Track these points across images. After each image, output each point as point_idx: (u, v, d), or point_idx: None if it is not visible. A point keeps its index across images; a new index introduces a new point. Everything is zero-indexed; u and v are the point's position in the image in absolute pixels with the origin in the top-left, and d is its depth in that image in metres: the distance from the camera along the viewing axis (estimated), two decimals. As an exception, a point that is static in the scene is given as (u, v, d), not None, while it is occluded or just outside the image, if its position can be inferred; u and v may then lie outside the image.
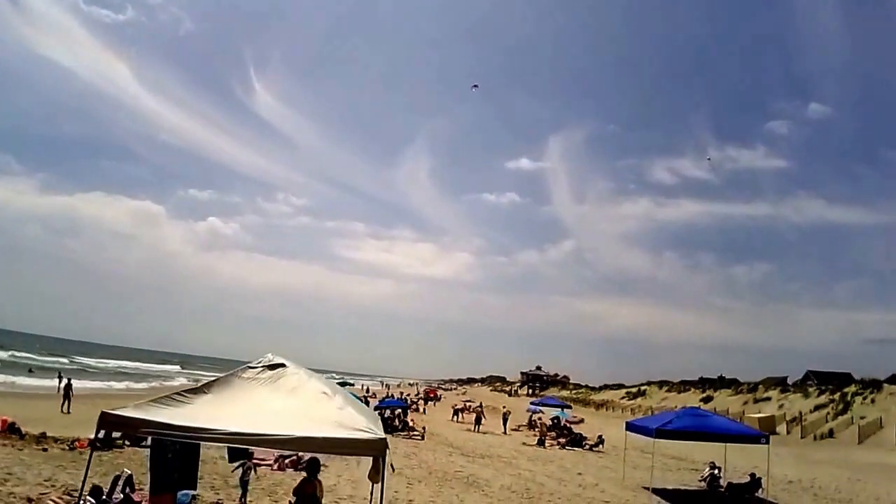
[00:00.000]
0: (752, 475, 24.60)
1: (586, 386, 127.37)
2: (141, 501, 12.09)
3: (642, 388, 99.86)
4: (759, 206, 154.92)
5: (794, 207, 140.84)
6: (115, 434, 21.07)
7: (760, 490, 24.11)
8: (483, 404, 60.17)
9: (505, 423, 47.37)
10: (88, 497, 10.34)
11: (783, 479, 26.58)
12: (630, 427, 26.56)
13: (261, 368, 11.21)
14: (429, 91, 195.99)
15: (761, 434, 25.88)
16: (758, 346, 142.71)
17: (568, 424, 46.51)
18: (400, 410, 42.48)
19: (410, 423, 39.17)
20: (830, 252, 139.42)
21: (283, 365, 11.28)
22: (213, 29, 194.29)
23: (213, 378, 11.22)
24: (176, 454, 11.74)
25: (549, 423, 44.81)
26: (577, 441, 39.50)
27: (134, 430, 9.51)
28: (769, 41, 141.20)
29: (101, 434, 10.16)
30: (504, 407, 54.83)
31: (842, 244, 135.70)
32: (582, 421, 52.83)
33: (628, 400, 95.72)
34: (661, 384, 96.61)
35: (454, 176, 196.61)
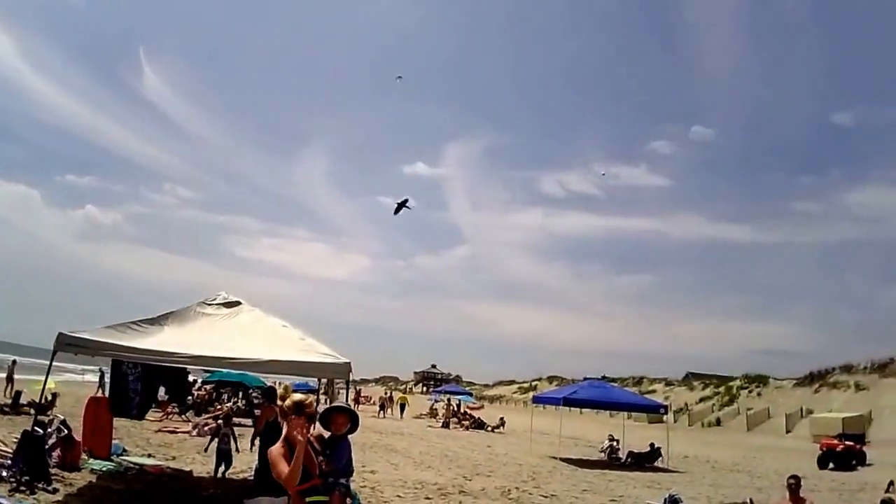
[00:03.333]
0: (652, 445, 26.18)
1: (480, 384, 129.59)
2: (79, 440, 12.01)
3: (534, 382, 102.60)
4: (641, 221, 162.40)
5: (674, 223, 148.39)
6: (23, 401, 20.73)
7: (660, 459, 25.77)
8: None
9: (402, 411, 48.36)
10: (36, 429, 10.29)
11: (679, 454, 28.14)
12: (537, 400, 27.81)
13: (217, 305, 11.42)
14: (329, 90, 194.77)
15: (660, 405, 27.64)
16: (640, 351, 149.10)
17: (468, 410, 47.56)
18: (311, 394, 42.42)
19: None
20: (709, 266, 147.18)
21: (238, 302, 11.51)
22: (104, 4, 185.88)
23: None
24: (136, 378, 11.80)
25: (453, 408, 45.74)
26: (479, 424, 40.55)
27: (94, 353, 9.56)
28: (657, 64, 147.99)
29: (10, 399, 10.10)
30: (400, 398, 55.71)
31: (720, 259, 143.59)
32: (482, 407, 54.16)
33: (520, 394, 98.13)
34: (551, 379, 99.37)
35: (352, 177, 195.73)
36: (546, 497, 15.05)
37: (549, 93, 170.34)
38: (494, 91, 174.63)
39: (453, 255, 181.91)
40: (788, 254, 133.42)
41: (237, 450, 12.47)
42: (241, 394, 37.49)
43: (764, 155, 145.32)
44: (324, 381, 14.35)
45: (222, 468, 12.10)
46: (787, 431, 47.94)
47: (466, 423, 41.16)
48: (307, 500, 4.75)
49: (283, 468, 4.68)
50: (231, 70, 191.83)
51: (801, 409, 50.58)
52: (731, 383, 65.69)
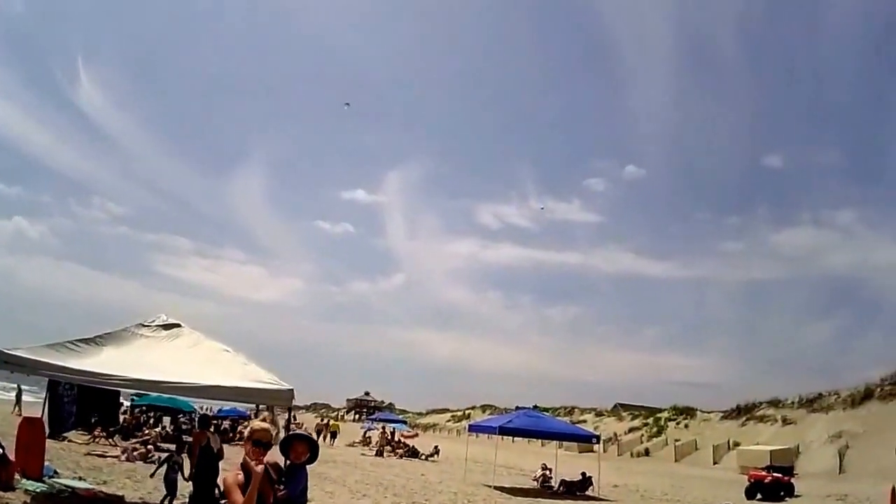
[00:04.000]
0: (584, 474, 26.54)
1: (414, 413, 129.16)
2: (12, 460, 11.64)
3: (467, 411, 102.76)
4: (572, 255, 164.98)
5: (604, 258, 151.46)
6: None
7: (591, 488, 26.11)
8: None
9: (333, 438, 47.84)
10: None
11: (609, 483, 28.52)
12: (473, 428, 27.90)
13: (155, 327, 11.23)
14: (269, 111, 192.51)
15: (592, 434, 28.05)
16: (570, 380, 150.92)
17: (402, 438, 47.26)
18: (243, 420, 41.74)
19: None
20: (637, 300, 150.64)
21: (178, 325, 11.35)
22: (45, 11, 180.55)
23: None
24: (72, 400, 11.48)
25: (387, 436, 45.37)
26: (414, 453, 40.37)
27: (31, 371, 9.34)
28: (594, 103, 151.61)
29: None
30: (332, 425, 55.15)
31: (647, 293, 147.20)
32: (416, 436, 53.80)
33: (454, 422, 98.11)
34: (484, 408, 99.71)
35: (289, 200, 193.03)
36: (483, 526, 15.13)
37: (488, 126, 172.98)
38: (436, 121, 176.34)
39: (389, 281, 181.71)
40: (713, 290, 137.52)
41: (186, 478, 12.16)
42: (168, 419, 36.70)
43: (694, 195, 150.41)
44: (261, 407, 14.15)
45: (168, 498, 11.78)
46: (715, 463, 49.05)
47: (400, 451, 40.92)
48: None
49: (238, 498, 4.66)
50: (169, 86, 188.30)
51: (729, 442, 51.83)
52: (659, 415, 67.18)
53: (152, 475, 13.37)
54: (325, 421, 55.97)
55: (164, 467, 11.98)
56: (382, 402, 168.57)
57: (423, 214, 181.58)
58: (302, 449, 5.32)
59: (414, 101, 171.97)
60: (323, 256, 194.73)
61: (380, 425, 49.92)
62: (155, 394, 27.48)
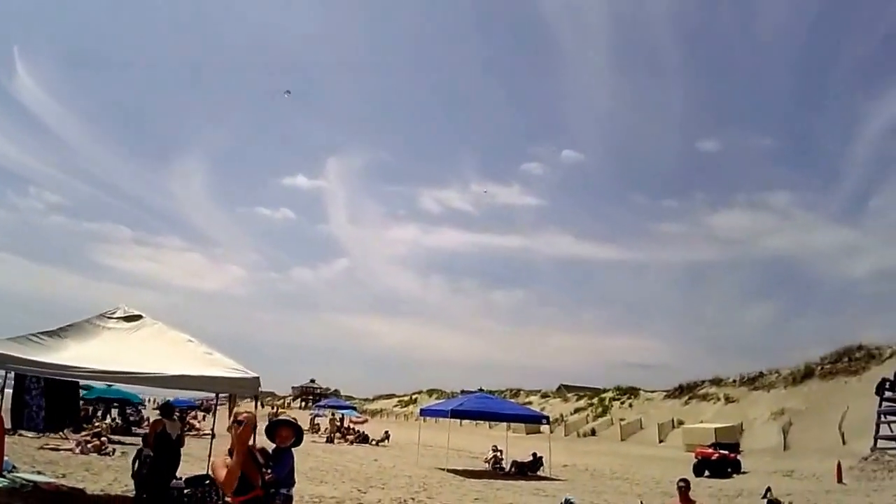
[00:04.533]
0: (534, 454, 27.15)
1: (360, 398, 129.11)
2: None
3: (414, 396, 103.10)
4: (514, 239, 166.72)
5: (546, 241, 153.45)
6: None
7: (542, 468, 26.73)
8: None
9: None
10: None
11: (558, 463, 29.13)
12: (425, 412, 28.20)
13: (117, 319, 11.18)
14: (209, 98, 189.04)
15: (542, 416, 28.67)
16: (515, 363, 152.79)
17: (352, 424, 47.40)
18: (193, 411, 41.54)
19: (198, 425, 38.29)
20: (579, 283, 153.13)
21: (140, 316, 11.32)
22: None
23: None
24: (40, 393, 11.37)
25: (337, 423, 45.42)
26: (364, 438, 40.58)
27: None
28: (533, 89, 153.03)
29: None
30: (280, 412, 55.02)
31: (588, 276, 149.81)
32: (366, 421, 54.02)
33: (401, 407, 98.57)
34: (431, 392, 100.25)
35: (230, 187, 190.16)
36: (442, 507, 15.48)
37: (428, 112, 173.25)
38: (377, 107, 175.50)
39: (332, 268, 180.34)
40: (654, 272, 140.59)
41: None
42: (116, 410, 36.20)
43: (632, 179, 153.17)
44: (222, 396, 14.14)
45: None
46: (660, 441, 50.26)
47: (351, 437, 41.10)
48: None
49: (221, 473, 4.85)
50: (107, 73, 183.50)
51: (673, 420, 53.23)
52: (603, 395, 68.35)
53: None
54: (276, 409, 55.64)
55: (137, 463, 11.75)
56: (328, 388, 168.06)
57: (364, 200, 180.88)
58: (287, 433, 5.52)
59: (354, 88, 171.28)
60: (264, 244, 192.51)
61: (328, 412, 49.88)
62: (103, 385, 27.21)
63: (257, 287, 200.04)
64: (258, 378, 10.05)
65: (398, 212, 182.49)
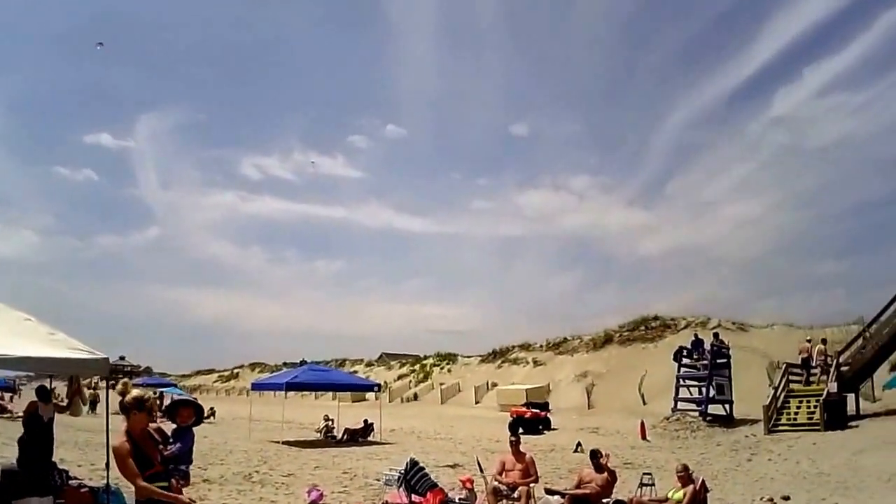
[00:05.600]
0: (366, 421, 28.18)
1: (176, 375, 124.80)
2: None
3: (235, 370, 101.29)
4: (336, 210, 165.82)
5: (367, 213, 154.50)
6: None
7: (373, 433, 27.85)
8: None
9: (94, 407, 45.88)
10: None
11: (386, 429, 30.27)
12: (256, 386, 28.40)
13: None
14: (4, 42, 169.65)
15: (373, 384, 29.73)
16: (336, 333, 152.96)
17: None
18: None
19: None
20: (398, 254, 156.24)
21: (-32, 296, 10.96)
22: None
23: None
24: None
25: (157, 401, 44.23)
26: (188, 415, 39.93)
27: None
28: (360, 61, 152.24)
29: None
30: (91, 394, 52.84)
31: (406, 247, 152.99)
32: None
33: (222, 383, 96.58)
34: (253, 366, 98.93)
35: (23, 143, 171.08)
36: (286, 476, 16.04)
37: (249, 75, 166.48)
38: (193, 63, 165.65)
39: (142, 235, 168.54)
40: (467, 245, 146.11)
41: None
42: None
43: (450, 156, 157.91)
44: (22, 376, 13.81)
45: None
46: (477, 402, 53.16)
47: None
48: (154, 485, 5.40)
49: (134, 469, 5.15)
50: None
51: (488, 383, 56.35)
52: (424, 361, 71.27)
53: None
54: (125, 386, 52.93)
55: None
56: (139, 365, 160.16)
57: (178, 163, 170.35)
58: (188, 413, 6.01)
59: (172, 44, 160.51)
60: (63, 207, 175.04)
61: (148, 390, 48.35)
62: None
63: (55, 254, 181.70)
64: (107, 359, 9.94)
65: (215, 177, 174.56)
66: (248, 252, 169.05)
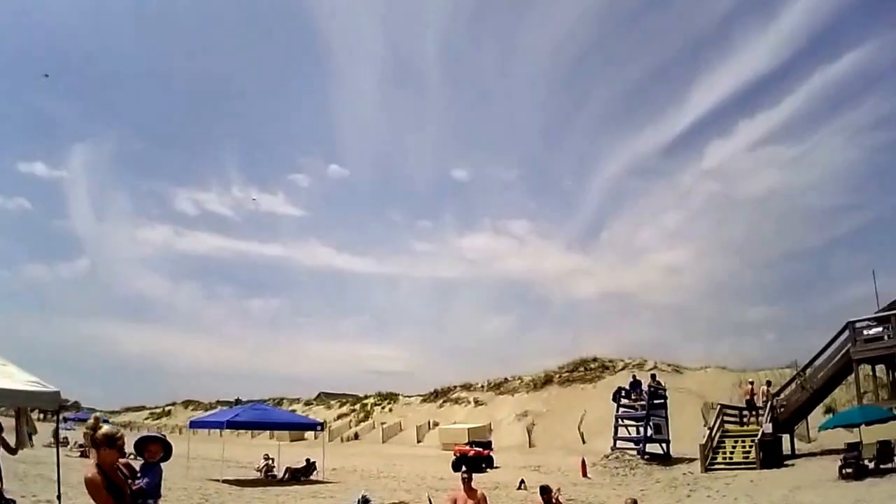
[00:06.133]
0: (308, 459, 27.87)
1: (105, 411, 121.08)
2: None
3: (167, 408, 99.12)
4: (274, 248, 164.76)
5: (306, 252, 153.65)
6: None
7: (315, 472, 27.54)
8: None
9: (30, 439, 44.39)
10: None
11: (328, 468, 29.92)
12: (195, 424, 27.87)
13: None
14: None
15: (316, 422, 29.45)
16: (271, 372, 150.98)
17: (105, 440, 45.00)
18: None
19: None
20: (336, 293, 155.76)
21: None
22: None
23: None
24: None
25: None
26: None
27: None
28: (304, 100, 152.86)
29: None
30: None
31: (345, 287, 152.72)
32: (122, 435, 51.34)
33: (153, 420, 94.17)
34: (186, 404, 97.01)
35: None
36: (232, 515, 15.88)
37: (190, 108, 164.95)
38: (131, 93, 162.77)
39: (71, 267, 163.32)
40: (405, 285, 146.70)
41: None
42: None
43: (392, 197, 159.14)
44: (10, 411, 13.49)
45: None
46: (419, 441, 53.13)
47: (107, 452, 39.08)
48: None
49: (100, 500, 5.37)
50: None
51: (429, 422, 56.42)
52: (365, 401, 71.04)
53: None
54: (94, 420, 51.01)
55: None
56: (67, 400, 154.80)
57: (111, 194, 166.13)
58: (156, 448, 6.07)
59: (112, 74, 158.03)
60: None
61: (80, 425, 46.91)
62: None
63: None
64: (59, 392, 9.99)
65: (150, 210, 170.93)
66: (182, 288, 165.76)
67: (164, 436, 6.50)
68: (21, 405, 10.69)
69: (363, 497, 12.32)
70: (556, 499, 11.70)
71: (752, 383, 31.86)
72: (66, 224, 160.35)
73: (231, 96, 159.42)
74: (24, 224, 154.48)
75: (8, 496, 11.17)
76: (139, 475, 5.80)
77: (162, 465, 6.25)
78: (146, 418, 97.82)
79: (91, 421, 5.87)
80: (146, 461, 5.98)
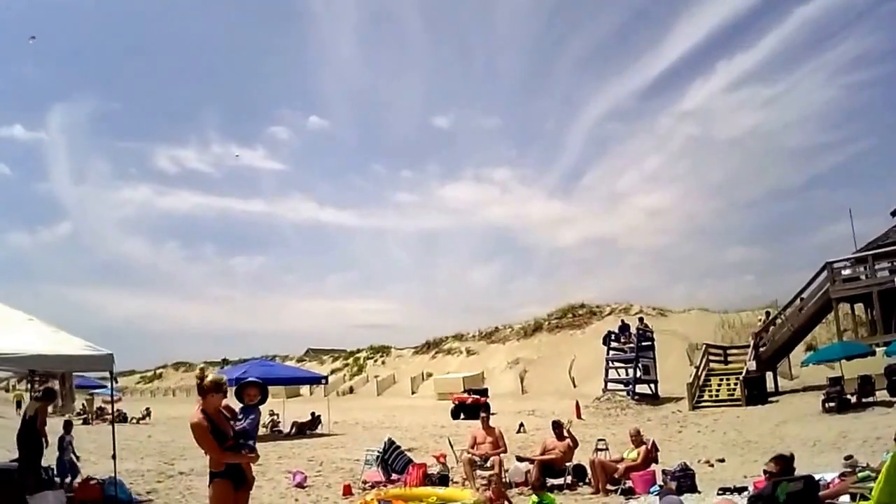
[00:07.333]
0: (313, 413, 28.86)
1: (94, 377, 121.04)
2: None
3: (158, 371, 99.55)
4: (256, 203, 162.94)
5: (289, 207, 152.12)
6: None
7: (320, 426, 28.55)
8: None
9: (19, 408, 45.21)
10: None
11: (330, 421, 30.87)
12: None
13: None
14: None
15: (321, 376, 30.39)
16: (258, 330, 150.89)
17: (103, 404, 45.73)
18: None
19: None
20: (321, 248, 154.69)
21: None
22: None
23: None
24: None
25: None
26: (123, 417, 39.62)
27: None
28: (281, 52, 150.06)
29: None
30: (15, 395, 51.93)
31: (329, 241, 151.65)
32: (121, 399, 52.07)
33: (145, 384, 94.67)
34: (177, 365, 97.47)
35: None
36: (256, 466, 16.70)
37: (167, 65, 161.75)
38: (108, 52, 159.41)
39: (53, 232, 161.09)
40: (390, 238, 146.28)
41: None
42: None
43: (373, 149, 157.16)
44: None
45: (68, 479, 12.58)
46: (413, 392, 54.27)
47: (108, 417, 39.87)
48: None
49: (213, 443, 6.14)
50: None
51: (423, 373, 57.59)
52: (358, 354, 72.10)
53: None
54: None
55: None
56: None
57: (90, 156, 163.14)
58: (253, 392, 6.81)
59: (86, 33, 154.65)
60: None
61: (81, 393, 47.63)
62: None
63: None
64: (112, 354, 10.61)
65: (128, 170, 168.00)
66: (163, 248, 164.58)
67: (261, 380, 7.25)
68: (78, 369, 11.35)
69: (389, 440, 13.22)
70: (568, 430, 12.71)
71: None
72: (46, 187, 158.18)
73: (207, 51, 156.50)
74: (5, 191, 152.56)
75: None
76: (240, 417, 6.53)
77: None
78: (137, 382, 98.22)
79: (198, 371, 6.67)
80: (245, 404, 6.70)
